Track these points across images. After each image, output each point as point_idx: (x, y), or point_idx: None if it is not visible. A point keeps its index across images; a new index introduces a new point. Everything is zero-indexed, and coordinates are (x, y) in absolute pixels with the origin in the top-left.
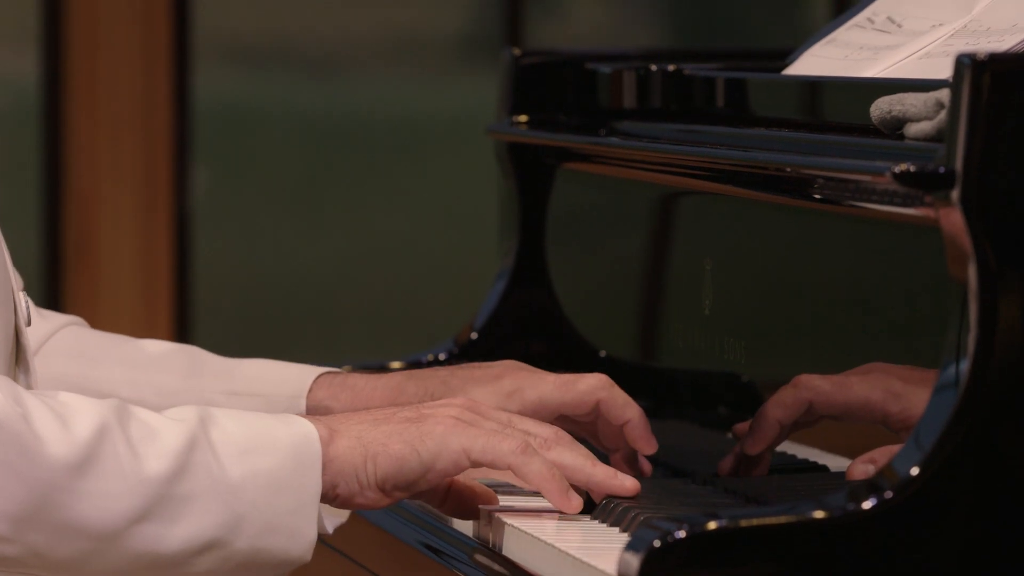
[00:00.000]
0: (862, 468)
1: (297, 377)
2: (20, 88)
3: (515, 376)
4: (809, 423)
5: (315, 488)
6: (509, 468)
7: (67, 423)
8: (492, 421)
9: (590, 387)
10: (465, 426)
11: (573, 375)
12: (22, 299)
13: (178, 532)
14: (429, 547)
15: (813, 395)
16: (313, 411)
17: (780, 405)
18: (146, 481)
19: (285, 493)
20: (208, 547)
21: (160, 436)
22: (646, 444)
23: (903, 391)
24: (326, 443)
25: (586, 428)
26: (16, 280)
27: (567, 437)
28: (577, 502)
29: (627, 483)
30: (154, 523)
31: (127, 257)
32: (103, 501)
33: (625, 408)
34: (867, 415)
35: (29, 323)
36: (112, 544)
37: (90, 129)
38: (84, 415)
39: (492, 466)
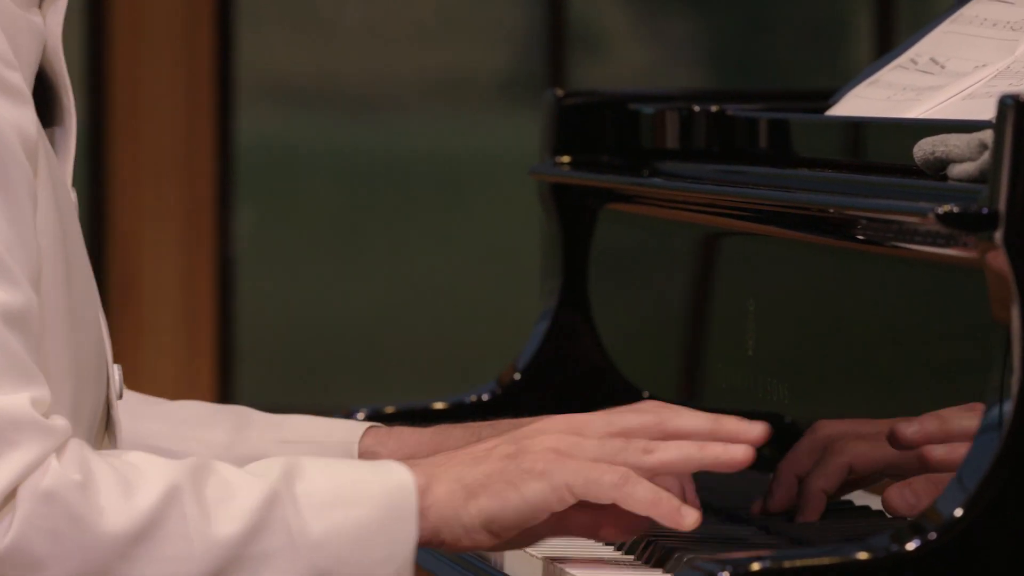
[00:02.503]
0: (898, 492)
1: (348, 427)
2: None
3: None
4: (856, 484)
5: (409, 537)
6: (613, 502)
7: (133, 490)
8: (592, 440)
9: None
10: (566, 459)
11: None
12: (115, 372)
13: None
14: None
15: (851, 458)
16: (365, 456)
17: (823, 475)
18: (217, 544)
19: (376, 544)
20: None
21: (237, 495)
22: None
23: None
24: (423, 490)
25: None
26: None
27: (668, 411)
28: (692, 518)
29: (739, 454)
30: None
31: (170, 298)
32: (169, 566)
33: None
34: (908, 468)
35: (121, 396)
36: None
37: (133, 169)
38: (153, 479)
39: (596, 500)
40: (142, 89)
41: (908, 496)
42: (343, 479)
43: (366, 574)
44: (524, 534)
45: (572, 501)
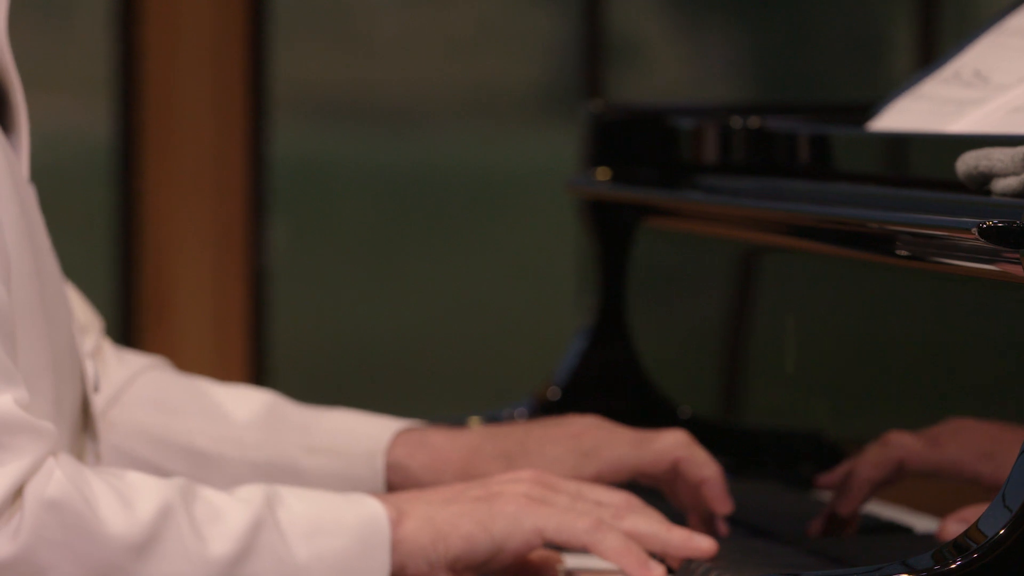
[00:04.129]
0: (955, 528)
1: (376, 433)
2: (94, 143)
3: (593, 435)
4: (897, 479)
5: (383, 569)
6: (584, 547)
7: (130, 503)
8: (563, 494)
9: (668, 446)
10: (537, 504)
11: (651, 432)
12: (90, 366)
13: None
14: None
15: (904, 453)
16: (391, 468)
17: (871, 464)
18: (210, 563)
19: (353, 572)
20: None
21: (225, 517)
22: (722, 504)
23: (994, 451)
24: (395, 524)
25: (664, 485)
26: (97, 323)
27: (638, 503)
28: (658, 571)
29: (703, 544)
30: None
31: (202, 314)
32: None
33: (703, 467)
34: (958, 474)
35: (97, 389)
36: None
37: (165, 185)
38: (148, 495)
39: (566, 545)
40: (174, 104)
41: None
42: (321, 507)
43: None
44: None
45: (539, 545)
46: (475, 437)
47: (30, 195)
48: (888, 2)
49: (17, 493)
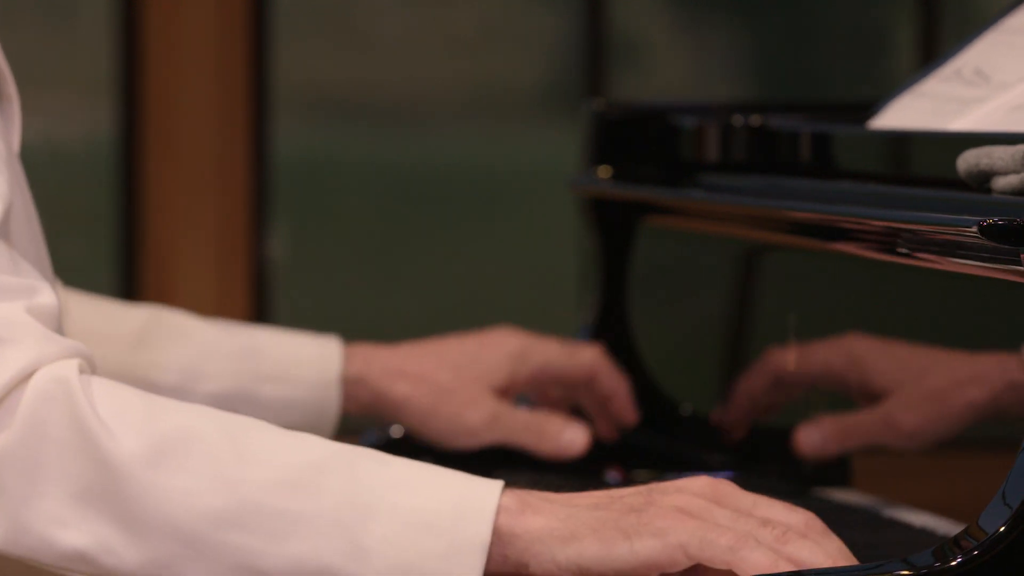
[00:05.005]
0: (806, 434)
1: (326, 353)
2: (96, 141)
3: (522, 340)
4: (779, 396)
5: (478, 536)
6: (727, 565)
7: (153, 413)
8: (727, 509)
9: (590, 357)
10: (687, 519)
11: (573, 344)
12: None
13: (284, 551)
14: None
15: (777, 367)
16: (349, 382)
17: (748, 378)
18: (238, 483)
19: (432, 534)
20: None
21: (283, 448)
22: (629, 414)
23: (863, 357)
24: (513, 513)
25: (577, 392)
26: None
27: (819, 526)
28: None
29: None
30: (248, 534)
31: (205, 313)
32: (180, 497)
33: (616, 380)
34: (830, 385)
35: None
36: (194, 548)
37: (167, 183)
38: (177, 408)
39: (710, 563)
40: (176, 103)
41: (815, 436)
42: (424, 471)
43: (415, 563)
44: None
45: (685, 564)
46: (420, 350)
47: (19, 169)
48: (889, 1)
49: (21, 382)
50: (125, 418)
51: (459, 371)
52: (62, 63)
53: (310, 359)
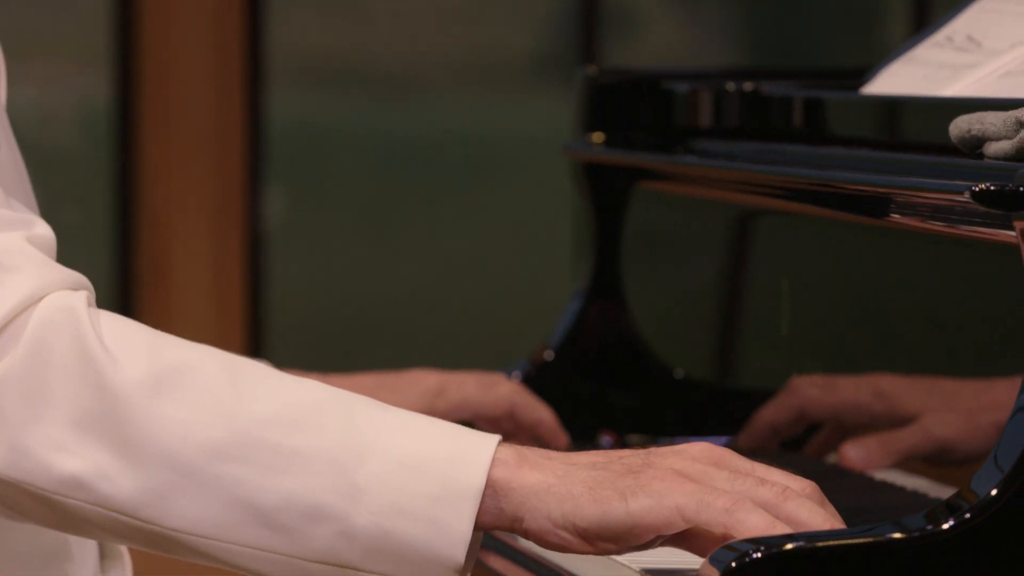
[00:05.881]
0: (853, 450)
1: None
2: (92, 110)
3: (440, 377)
4: (802, 423)
5: (472, 482)
6: (724, 528)
7: (157, 345)
8: (726, 471)
9: (507, 391)
10: (685, 481)
11: (491, 377)
12: None
13: (277, 485)
14: None
15: (803, 398)
16: None
17: (772, 408)
18: (237, 417)
19: (426, 477)
20: (319, 514)
21: (283, 388)
22: (559, 441)
23: (889, 391)
24: (510, 466)
25: (499, 428)
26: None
27: (816, 492)
28: None
29: None
30: (244, 467)
31: (200, 280)
32: (178, 427)
33: (537, 409)
34: (856, 416)
35: None
36: (189, 479)
37: (163, 151)
38: (183, 344)
39: (706, 526)
40: (172, 72)
41: (861, 453)
42: (421, 418)
43: (406, 505)
44: (622, 548)
45: (682, 526)
46: (342, 383)
47: (5, 123)
48: None
49: (25, 309)
50: (129, 349)
51: None
52: (58, 32)
53: None
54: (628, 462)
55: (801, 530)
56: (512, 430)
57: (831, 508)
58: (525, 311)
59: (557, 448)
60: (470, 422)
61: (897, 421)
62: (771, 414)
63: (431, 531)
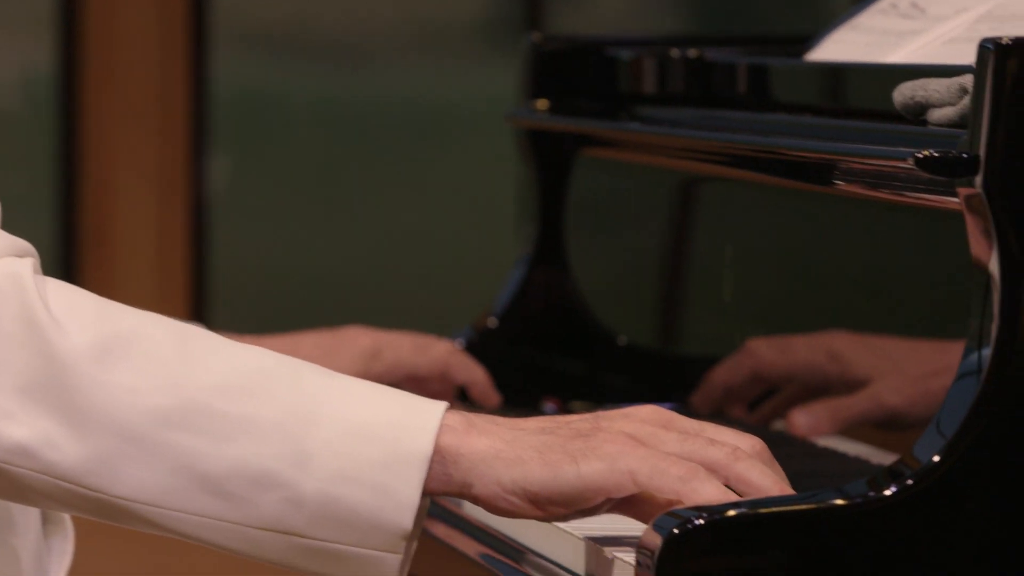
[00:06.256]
0: (800, 417)
1: None
2: (36, 77)
3: (375, 338)
4: (756, 386)
5: (420, 448)
6: (676, 496)
7: (104, 313)
8: (675, 432)
9: (442, 352)
10: (637, 446)
11: (425, 339)
12: None
13: (224, 453)
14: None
15: (757, 360)
16: None
17: (725, 369)
18: (183, 385)
19: (374, 444)
20: (267, 481)
21: (230, 355)
22: (491, 401)
23: (843, 353)
24: (458, 433)
25: (433, 389)
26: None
27: (764, 451)
28: None
29: None
30: (191, 435)
31: (143, 246)
32: (125, 394)
33: (471, 371)
34: (810, 378)
35: None
36: (136, 446)
37: (107, 117)
38: (129, 312)
39: (659, 492)
40: (116, 38)
41: (809, 419)
42: (369, 388)
43: (353, 471)
44: (572, 513)
45: (633, 489)
46: (277, 344)
47: None
48: None
49: None
50: (76, 315)
51: None
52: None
53: None
54: (576, 426)
55: (751, 491)
56: (440, 392)
57: (779, 469)
58: (470, 278)
59: (490, 409)
60: (397, 383)
61: (850, 384)
62: (725, 375)
63: (379, 497)
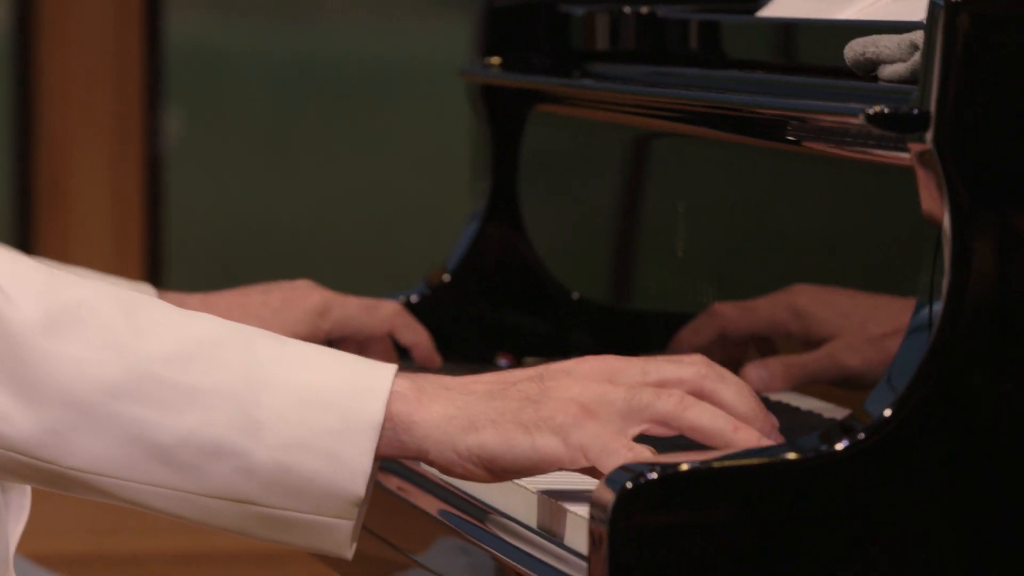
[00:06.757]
0: (754, 369)
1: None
2: None
3: (322, 296)
4: (722, 346)
5: (371, 416)
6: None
7: (53, 286)
8: (621, 389)
9: (389, 313)
10: (587, 418)
11: (374, 300)
12: None
13: (175, 422)
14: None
15: (722, 320)
16: None
17: (691, 330)
18: (133, 355)
19: (325, 411)
20: (218, 450)
21: (180, 325)
22: (433, 363)
23: (806, 310)
24: (409, 400)
25: (371, 350)
26: None
27: (713, 373)
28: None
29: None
30: (142, 406)
31: (99, 200)
32: (74, 366)
33: (415, 332)
34: (774, 335)
35: None
36: (87, 418)
37: (61, 72)
38: (79, 283)
39: (606, 470)
40: None
41: (763, 375)
42: (320, 354)
43: (306, 439)
44: (524, 477)
45: (584, 464)
46: (227, 300)
47: None
48: None
49: None
50: (24, 287)
51: (263, 323)
52: None
53: None
54: (524, 388)
55: (706, 438)
56: (381, 352)
57: (731, 380)
58: (424, 233)
59: (430, 369)
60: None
61: (814, 342)
62: (692, 337)
63: (331, 465)
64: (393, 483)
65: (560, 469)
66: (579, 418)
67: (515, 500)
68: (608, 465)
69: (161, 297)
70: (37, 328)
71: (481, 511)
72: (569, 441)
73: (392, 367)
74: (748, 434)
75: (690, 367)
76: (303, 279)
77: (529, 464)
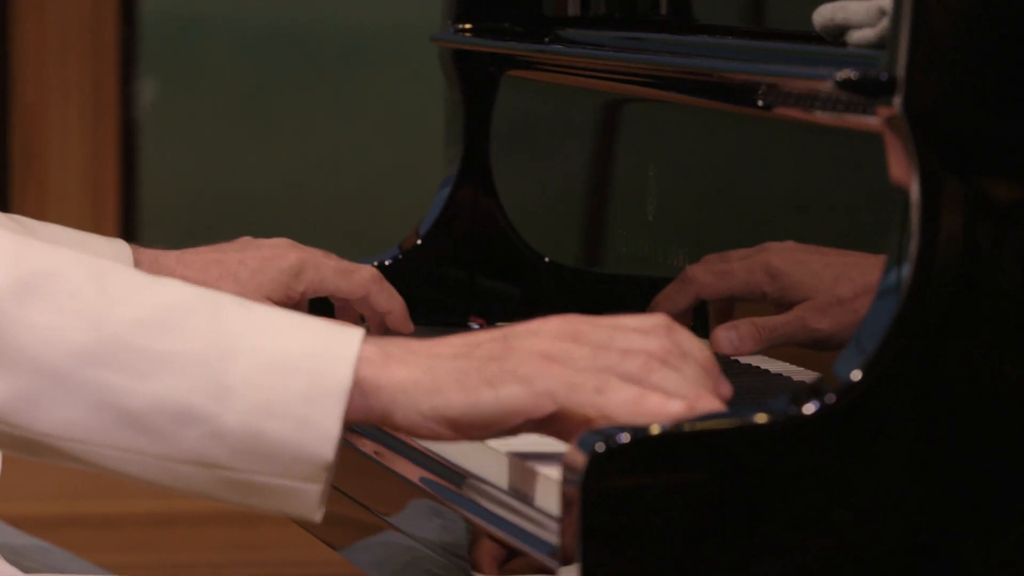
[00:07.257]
0: (724, 332)
1: (111, 250)
2: None
3: (299, 255)
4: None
5: (339, 381)
6: (594, 407)
7: (20, 253)
8: (587, 347)
9: (364, 278)
10: (551, 364)
11: (351, 264)
12: None
13: (145, 388)
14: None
15: (698, 286)
16: None
17: (667, 297)
18: (103, 322)
19: (294, 376)
20: (188, 416)
21: (150, 291)
22: (406, 329)
23: (781, 270)
24: (376, 364)
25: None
26: None
27: (676, 350)
28: (673, 411)
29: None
30: (112, 372)
31: (74, 168)
32: (45, 333)
33: (390, 299)
34: (749, 296)
35: None
36: (58, 384)
37: (37, 40)
38: (45, 249)
39: (577, 408)
40: None
41: (733, 337)
42: (287, 318)
43: (275, 404)
44: (492, 435)
45: (551, 409)
46: (203, 258)
47: None
48: None
49: None
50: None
51: (239, 282)
52: None
53: (102, 256)
54: (488, 348)
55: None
56: (352, 319)
57: (690, 361)
58: (397, 198)
59: (404, 332)
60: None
61: (787, 304)
62: (668, 304)
63: (300, 430)
64: (368, 447)
65: (527, 419)
66: (543, 366)
67: (487, 462)
68: (576, 401)
69: (136, 254)
70: (7, 295)
71: (455, 474)
72: (534, 388)
73: (359, 331)
74: (710, 403)
75: (655, 340)
76: (282, 237)
77: (495, 416)
